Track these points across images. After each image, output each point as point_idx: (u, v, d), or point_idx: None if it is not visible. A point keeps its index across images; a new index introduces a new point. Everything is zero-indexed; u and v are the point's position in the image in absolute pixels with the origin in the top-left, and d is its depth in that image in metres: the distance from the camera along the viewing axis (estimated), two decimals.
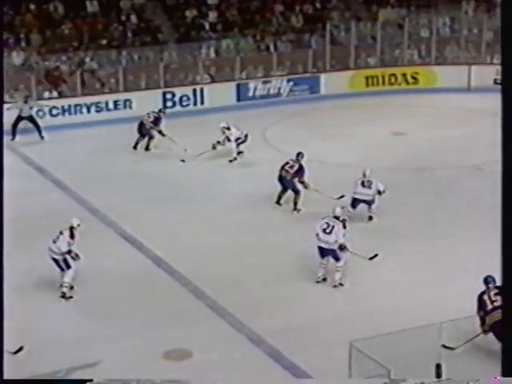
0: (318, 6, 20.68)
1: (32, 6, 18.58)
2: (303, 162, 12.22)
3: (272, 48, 19.59)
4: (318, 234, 9.79)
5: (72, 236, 9.61)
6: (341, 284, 9.71)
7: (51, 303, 9.41)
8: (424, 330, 7.31)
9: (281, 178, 12.23)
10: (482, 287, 8.16)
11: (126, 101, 17.52)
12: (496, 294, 7.96)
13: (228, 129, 14.41)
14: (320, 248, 9.77)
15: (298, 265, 10.27)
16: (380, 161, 13.88)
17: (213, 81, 18.69)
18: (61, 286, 9.54)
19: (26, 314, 8.85)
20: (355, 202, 11.67)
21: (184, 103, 18.10)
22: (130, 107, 17.51)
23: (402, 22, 20.07)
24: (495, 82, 18.73)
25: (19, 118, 15.96)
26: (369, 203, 11.72)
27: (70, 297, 9.53)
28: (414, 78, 19.44)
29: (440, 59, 19.80)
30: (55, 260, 9.62)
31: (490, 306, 7.99)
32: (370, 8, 20.88)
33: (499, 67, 21.98)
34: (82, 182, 13.30)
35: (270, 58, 19.20)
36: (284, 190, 12.29)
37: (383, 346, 7.03)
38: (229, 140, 14.35)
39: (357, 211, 11.57)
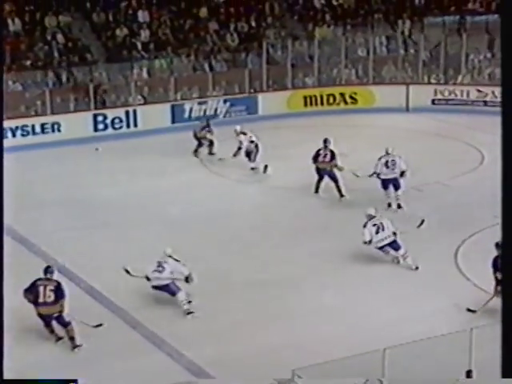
0: (253, 24, 21.05)
1: None
2: (331, 147, 13.31)
3: (207, 68, 19.78)
4: (371, 240, 10.74)
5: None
6: (416, 268, 10.63)
7: None
8: (367, 356, 7.44)
9: (318, 170, 13.30)
10: (426, 311, 8.43)
11: (54, 124, 17.37)
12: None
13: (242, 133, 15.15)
14: (382, 247, 10.78)
15: (243, 292, 10.36)
16: (325, 184, 14.16)
17: (146, 102, 18.73)
18: (183, 304, 9.78)
19: None
20: (385, 183, 12.52)
21: (116, 126, 18.05)
22: (59, 130, 17.35)
23: (338, 41, 20.63)
24: (433, 102, 19.46)
25: None
26: (396, 186, 12.68)
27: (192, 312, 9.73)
28: (352, 97, 19.96)
29: (377, 79, 20.42)
30: (164, 286, 9.85)
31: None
32: (305, 26, 21.39)
33: (437, 87, 22.87)
34: (8, 211, 13.02)
35: (205, 77, 19.39)
36: (321, 179, 13.45)
37: (326, 374, 7.16)
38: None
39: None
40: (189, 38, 20.29)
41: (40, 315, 9.28)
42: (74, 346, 9.11)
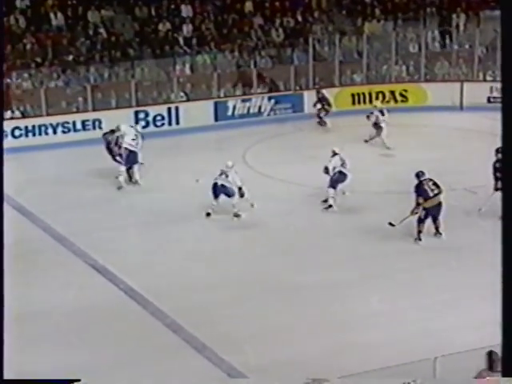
0: (299, 18, 21.07)
1: None
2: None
3: (251, 64, 19.87)
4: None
5: None
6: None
7: (19, 337, 9.40)
8: (417, 365, 7.41)
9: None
10: (483, 317, 8.34)
11: (95, 121, 17.63)
12: (434, 185, 11.69)
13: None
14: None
15: (282, 296, 10.39)
16: (367, 184, 14.11)
17: (188, 99, 18.89)
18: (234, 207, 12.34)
19: None
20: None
21: (158, 123, 18.25)
22: (100, 127, 17.57)
23: (388, 36, 20.50)
24: (489, 101, 19.18)
25: None
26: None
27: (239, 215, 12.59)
28: (402, 95, 19.82)
29: (430, 76, 20.23)
30: (225, 187, 12.62)
31: (431, 193, 11.64)
32: (354, 21, 21.31)
33: (493, 84, 22.49)
34: (47, 209, 13.34)
35: (249, 74, 19.47)
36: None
37: (373, 381, 7.14)
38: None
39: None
40: (233, 34, 20.39)
41: None
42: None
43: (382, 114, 16.47)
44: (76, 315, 9.92)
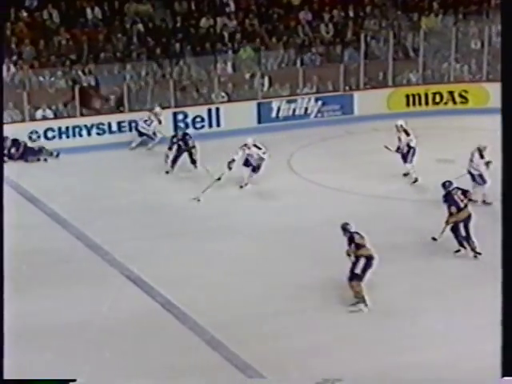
0: (350, 13, 21.07)
1: (23, 14, 19.11)
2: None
3: (298, 62, 19.93)
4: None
5: None
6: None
7: (47, 352, 9.61)
8: None
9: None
10: None
11: (131, 122, 17.84)
12: (462, 194, 11.90)
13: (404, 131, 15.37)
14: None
15: (328, 311, 10.43)
16: (424, 192, 14.06)
17: (230, 100, 19.03)
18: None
19: (23, 367, 9.10)
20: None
21: (197, 125, 18.40)
22: (136, 129, 17.81)
23: (448, 32, 20.38)
24: None
25: None
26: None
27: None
28: (462, 96, 19.69)
29: (493, 75, 20.03)
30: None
31: (461, 204, 11.78)
32: (410, 16, 21.23)
33: None
34: (81, 215, 13.58)
35: (295, 73, 19.53)
36: None
37: None
38: None
39: None
40: (278, 30, 20.49)
41: None
42: None
43: (407, 135, 15.35)
44: (110, 328, 10.06)
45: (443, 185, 12.12)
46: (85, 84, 18.23)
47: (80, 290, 11.06)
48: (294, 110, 19.14)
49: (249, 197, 14.53)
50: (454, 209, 11.80)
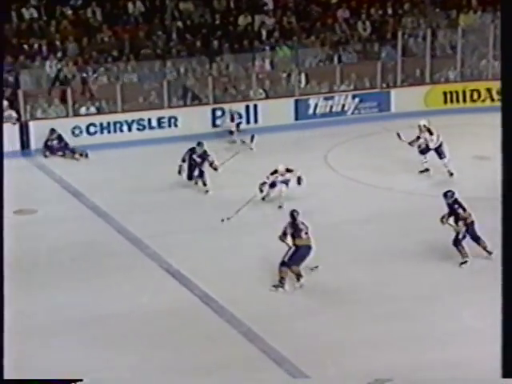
0: (388, 11, 20.94)
1: (68, 12, 19.34)
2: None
3: (335, 60, 19.87)
4: None
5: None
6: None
7: (90, 338, 9.75)
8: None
9: None
10: None
11: (170, 118, 17.99)
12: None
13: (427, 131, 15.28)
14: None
15: (366, 307, 10.43)
16: (460, 189, 13.90)
17: (268, 96, 19.06)
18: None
19: (61, 353, 9.27)
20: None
21: (235, 121, 18.45)
22: (176, 125, 17.96)
23: (486, 29, 20.14)
24: None
25: None
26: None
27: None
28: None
29: None
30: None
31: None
32: (448, 13, 21.04)
33: None
34: (122, 209, 13.73)
35: (332, 70, 19.49)
36: None
37: None
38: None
39: None
40: (316, 27, 20.45)
41: None
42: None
43: (431, 134, 15.22)
44: (150, 320, 10.19)
45: (445, 195, 11.83)
46: (126, 80, 18.39)
47: (120, 283, 11.21)
48: (331, 107, 19.08)
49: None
50: (465, 212, 11.62)
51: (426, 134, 15.18)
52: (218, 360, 9.29)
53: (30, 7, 19.16)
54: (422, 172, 15.34)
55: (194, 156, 14.62)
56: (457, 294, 10.66)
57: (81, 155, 16.72)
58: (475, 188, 14.10)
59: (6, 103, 17.18)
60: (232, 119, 17.68)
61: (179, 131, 17.72)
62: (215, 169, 14.55)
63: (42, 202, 14.16)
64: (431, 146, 15.17)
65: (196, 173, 14.64)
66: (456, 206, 11.73)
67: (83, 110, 17.89)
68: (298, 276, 10.92)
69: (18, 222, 13.36)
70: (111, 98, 17.98)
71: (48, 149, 16.83)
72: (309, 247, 11.05)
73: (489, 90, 19.50)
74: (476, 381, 7.31)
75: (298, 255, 10.95)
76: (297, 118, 18.80)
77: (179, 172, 14.61)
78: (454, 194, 11.91)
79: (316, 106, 18.97)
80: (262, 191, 13.76)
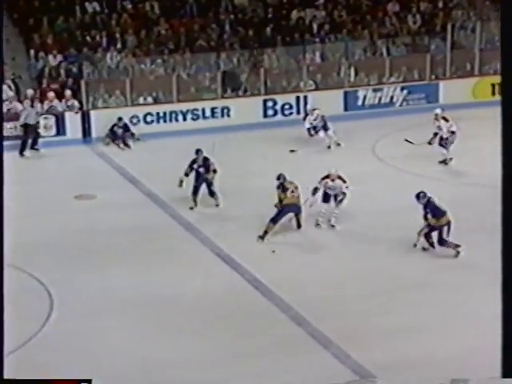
0: (438, 4, 20.56)
1: (128, 5, 19.49)
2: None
3: (385, 52, 19.61)
4: None
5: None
6: None
7: (139, 322, 9.83)
8: None
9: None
10: None
11: (223, 108, 18.01)
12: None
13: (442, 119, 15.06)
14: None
15: (411, 294, 10.32)
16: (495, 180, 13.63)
17: (317, 88, 18.92)
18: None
19: (112, 333, 9.36)
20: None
21: (286, 112, 18.39)
22: (228, 115, 17.99)
23: None
24: None
25: (26, 127, 16.23)
26: None
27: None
28: None
29: None
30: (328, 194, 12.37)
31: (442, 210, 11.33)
32: (498, 6, 20.55)
33: None
34: (176, 195, 13.79)
35: (382, 63, 19.24)
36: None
37: None
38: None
39: None
40: (366, 20, 20.21)
41: None
42: None
43: (447, 121, 15.06)
44: (201, 303, 10.21)
45: (417, 196, 11.43)
46: (182, 72, 18.46)
47: (173, 266, 11.28)
48: (380, 99, 18.88)
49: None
50: (433, 216, 11.30)
51: (442, 122, 15.05)
52: (267, 343, 9.27)
53: (92, 1, 19.36)
54: (441, 162, 15.12)
55: (195, 166, 13.17)
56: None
57: (138, 140, 16.84)
58: None
59: (69, 93, 17.43)
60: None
61: (232, 121, 17.74)
62: (214, 171, 13.26)
63: (101, 187, 14.31)
64: (441, 134, 14.98)
65: (201, 188, 13.25)
66: (427, 209, 11.34)
67: (141, 99, 18.05)
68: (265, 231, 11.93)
69: (78, 207, 13.59)
70: (167, 88, 18.09)
71: (113, 134, 16.96)
72: (295, 205, 11.94)
73: None
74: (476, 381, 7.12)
75: (282, 212, 12.02)
76: (346, 109, 18.63)
77: (180, 185, 13.29)
78: (425, 194, 11.46)
79: (365, 97, 18.79)
80: (314, 194, 12.57)
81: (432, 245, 11.52)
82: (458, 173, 14.80)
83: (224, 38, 19.40)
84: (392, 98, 18.91)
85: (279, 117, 18.23)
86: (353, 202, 13.27)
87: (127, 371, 8.70)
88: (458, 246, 11.33)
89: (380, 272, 10.91)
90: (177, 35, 19.22)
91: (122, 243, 12.00)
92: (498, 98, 19.61)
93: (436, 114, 15.23)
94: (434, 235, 11.45)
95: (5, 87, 16.65)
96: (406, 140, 15.17)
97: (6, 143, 18.39)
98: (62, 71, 17.97)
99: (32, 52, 18.04)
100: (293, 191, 11.87)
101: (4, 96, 16.34)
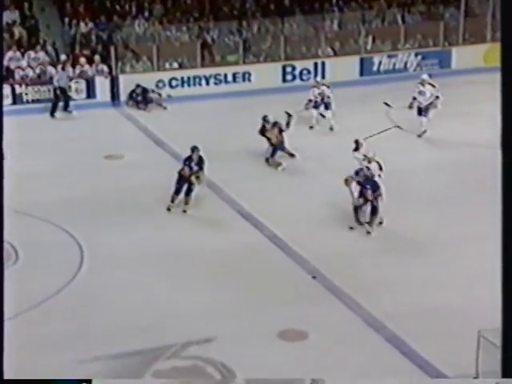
0: None
1: None
2: None
3: (400, 20, 19.29)
4: None
5: None
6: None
7: (163, 275, 9.87)
8: None
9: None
10: None
11: (244, 73, 17.90)
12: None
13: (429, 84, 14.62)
14: None
15: (422, 248, 10.33)
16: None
17: (335, 54, 18.71)
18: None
19: (138, 285, 9.43)
20: None
21: (304, 77, 18.22)
22: (249, 80, 17.86)
23: None
24: None
25: (57, 90, 16.16)
26: None
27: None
28: None
29: None
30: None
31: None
32: None
33: None
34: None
35: (397, 31, 18.94)
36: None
37: None
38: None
39: None
40: None
41: None
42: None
43: (433, 86, 14.66)
44: (222, 257, 10.27)
45: (356, 173, 11.04)
46: (206, 38, 18.31)
47: (195, 222, 11.33)
48: (395, 64, 18.67)
49: (346, 145, 14.25)
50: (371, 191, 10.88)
51: (428, 87, 14.69)
52: (284, 296, 9.31)
53: None
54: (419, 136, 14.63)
55: (192, 164, 11.91)
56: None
57: (170, 97, 16.75)
58: None
59: (98, 58, 17.38)
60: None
61: (252, 86, 17.62)
62: (201, 168, 11.95)
63: (129, 148, 14.32)
64: (421, 100, 14.55)
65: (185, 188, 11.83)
66: (366, 183, 10.87)
67: (167, 65, 17.96)
68: (277, 165, 13.06)
69: (107, 166, 13.62)
70: (192, 54, 17.97)
71: (132, 99, 16.97)
72: (281, 142, 13.19)
73: None
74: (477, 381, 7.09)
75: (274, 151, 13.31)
76: (361, 75, 18.44)
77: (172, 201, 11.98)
78: (362, 169, 11.14)
79: (380, 63, 18.59)
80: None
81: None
82: (467, 135, 14.55)
83: (246, 6, 19.20)
84: (406, 63, 18.69)
85: (297, 81, 18.06)
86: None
87: (153, 320, 8.77)
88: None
89: (394, 229, 10.87)
90: (201, 4, 19.03)
91: (147, 201, 12.02)
92: None
93: (423, 80, 14.93)
94: None
95: (42, 53, 16.98)
96: (385, 103, 14.97)
97: (39, 105, 18.48)
98: (93, 38, 17.92)
99: (66, 20, 17.98)
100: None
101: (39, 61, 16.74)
